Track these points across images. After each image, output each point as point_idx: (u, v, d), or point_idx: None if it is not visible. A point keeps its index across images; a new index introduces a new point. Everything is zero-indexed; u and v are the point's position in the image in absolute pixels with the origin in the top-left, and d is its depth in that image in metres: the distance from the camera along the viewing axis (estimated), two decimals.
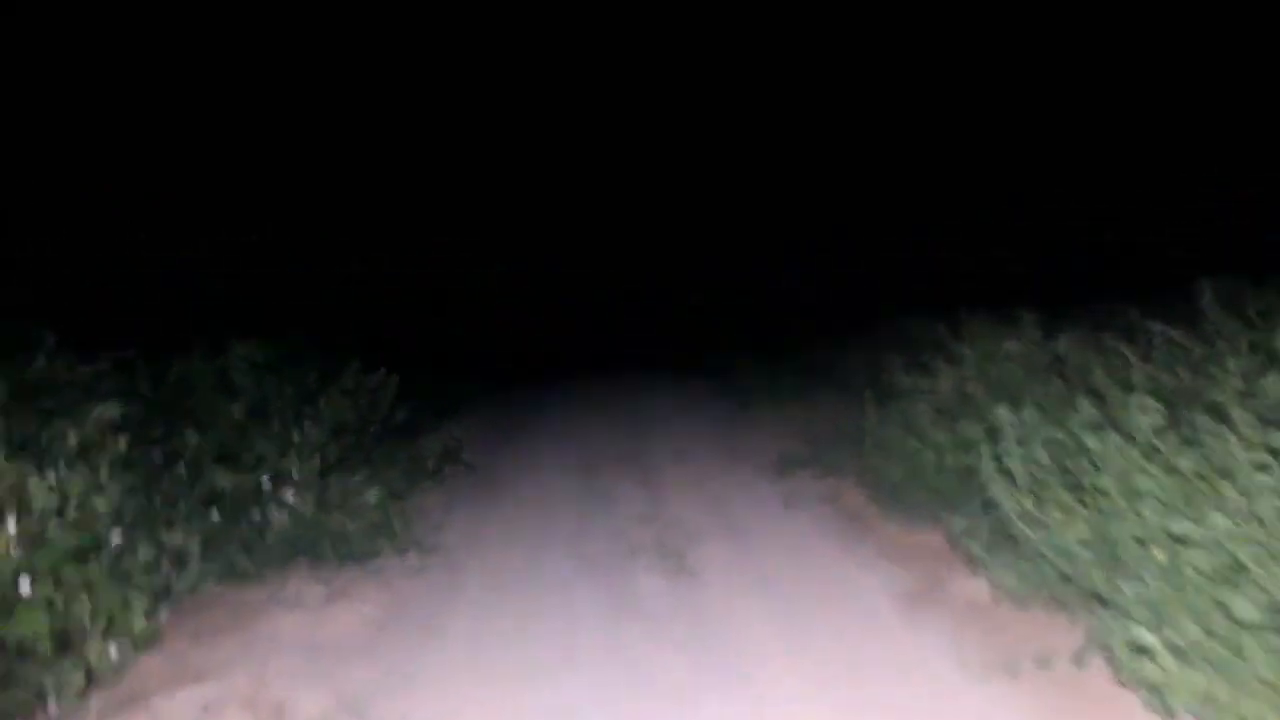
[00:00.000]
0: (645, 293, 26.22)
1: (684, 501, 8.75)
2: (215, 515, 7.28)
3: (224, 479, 7.46)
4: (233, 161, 17.20)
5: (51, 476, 5.72)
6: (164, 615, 6.21)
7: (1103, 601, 4.78)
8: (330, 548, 7.37)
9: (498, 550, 7.75)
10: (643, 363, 20.29)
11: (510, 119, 25.16)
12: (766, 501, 8.44)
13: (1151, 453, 4.79)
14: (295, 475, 7.60)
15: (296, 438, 9.55)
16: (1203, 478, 4.48)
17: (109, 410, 7.84)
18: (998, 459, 5.88)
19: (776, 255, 22.35)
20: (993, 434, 6.07)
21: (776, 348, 15.92)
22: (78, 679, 5.21)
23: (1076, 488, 5.28)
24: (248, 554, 7.15)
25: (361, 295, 17.72)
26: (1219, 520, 4.13)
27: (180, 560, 6.69)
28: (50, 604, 5.29)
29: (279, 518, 7.38)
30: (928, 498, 7.11)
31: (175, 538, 6.69)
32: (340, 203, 19.44)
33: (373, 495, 7.76)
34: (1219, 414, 4.79)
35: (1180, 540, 4.31)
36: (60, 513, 5.69)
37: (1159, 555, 4.42)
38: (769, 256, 22.69)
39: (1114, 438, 4.98)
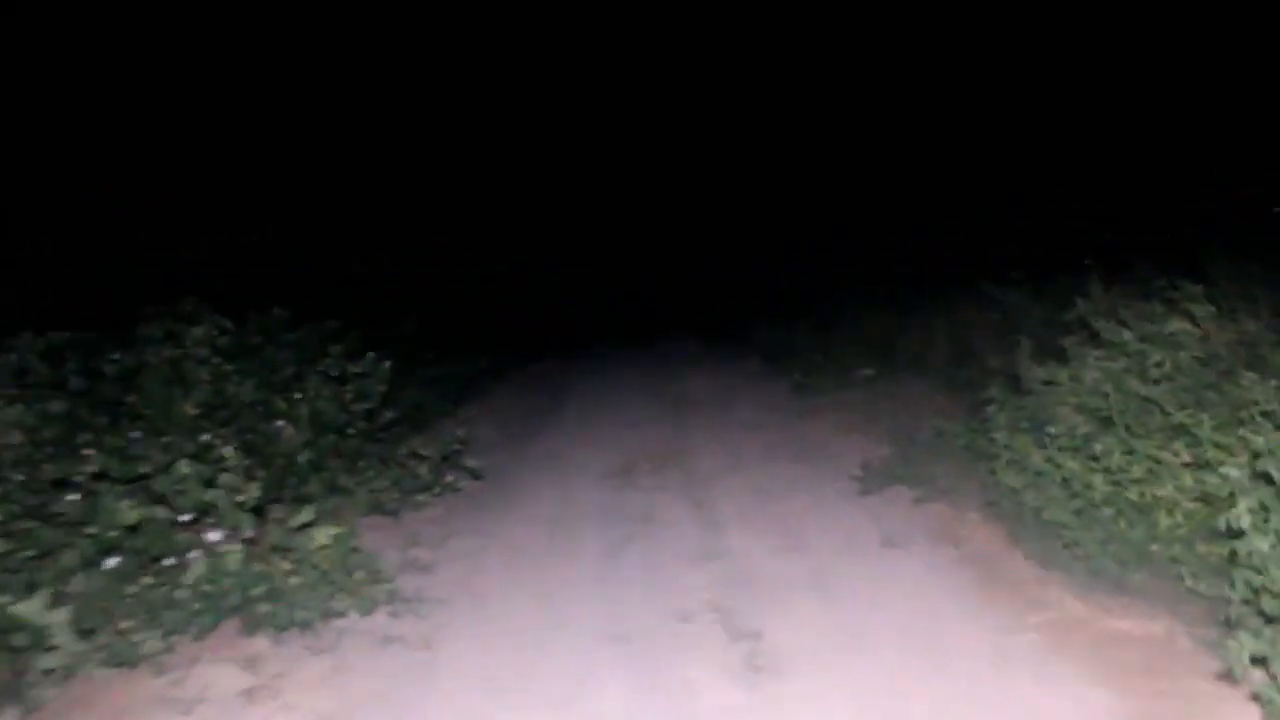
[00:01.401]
0: (685, 256, 23.95)
1: (746, 530, 6.52)
2: (112, 566, 5.16)
3: (128, 514, 5.30)
4: (204, 116, 15.02)
5: None
6: None
7: None
8: (268, 609, 5.21)
9: (497, 613, 5.55)
10: (682, 336, 18.02)
11: (536, 82, 23.02)
12: (857, 535, 6.17)
13: None
14: (225, 504, 5.40)
15: (260, 441, 7.53)
16: None
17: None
18: (1263, 511, 3.65)
19: (833, 214, 19.89)
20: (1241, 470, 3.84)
21: (835, 319, 13.63)
22: None
23: None
24: (150, 623, 5.01)
25: (355, 264, 15.49)
26: None
27: (38, 639, 4.58)
28: None
29: (196, 568, 5.21)
30: (1114, 550, 4.84)
31: (31, 608, 4.57)
32: (333, 161, 17.17)
33: (323, 534, 5.55)
34: None
35: None
36: None
37: None
38: (825, 216, 20.24)
39: None
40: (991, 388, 6.87)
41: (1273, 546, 3.54)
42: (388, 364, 8.63)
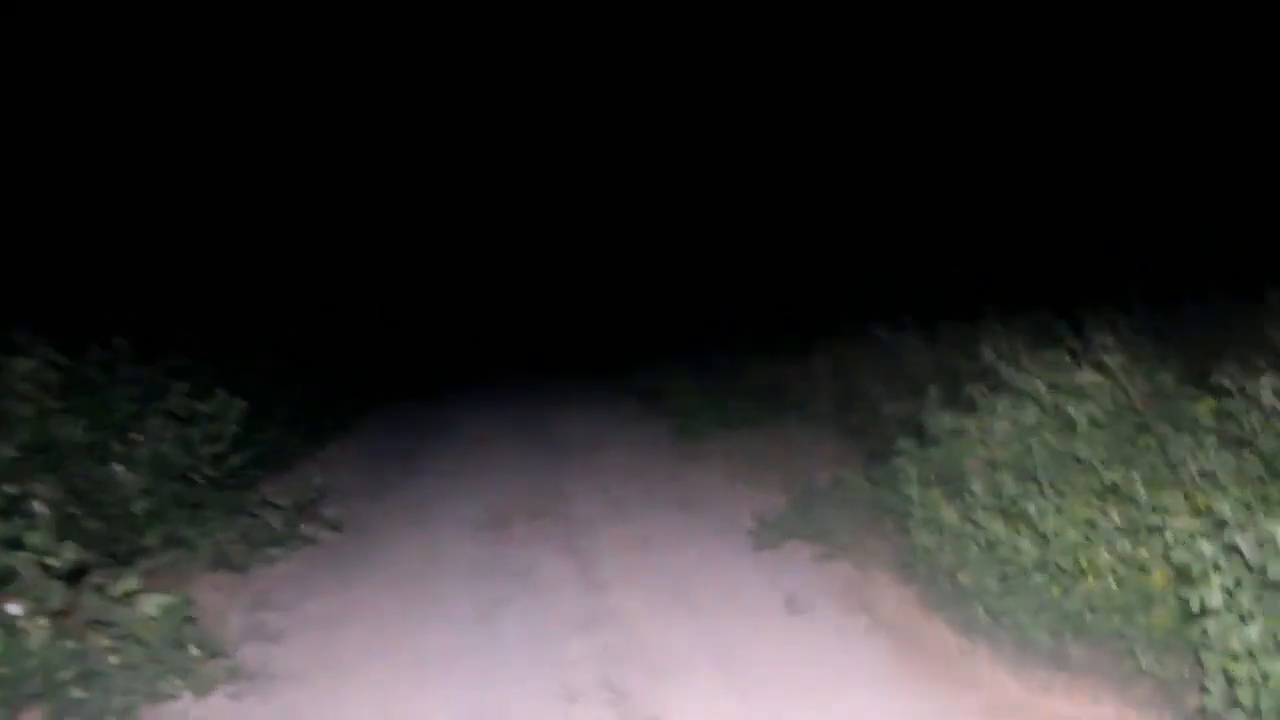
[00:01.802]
0: (559, 297, 23.36)
1: (633, 590, 5.92)
2: None
3: None
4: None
5: None
6: None
7: None
8: (80, 695, 4.39)
9: (356, 691, 4.80)
10: (560, 378, 17.41)
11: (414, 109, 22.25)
12: (756, 597, 5.62)
13: None
14: (28, 570, 4.55)
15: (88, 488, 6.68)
16: None
17: None
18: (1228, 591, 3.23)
19: (713, 256, 19.54)
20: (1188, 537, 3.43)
21: (716, 362, 13.20)
22: None
23: None
24: None
25: (212, 290, 14.46)
26: None
27: None
28: None
29: None
30: (1046, 619, 4.38)
31: None
32: (196, 175, 16.09)
33: (151, 604, 4.73)
34: None
35: None
36: None
37: None
38: (704, 257, 19.89)
39: None
40: (899, 438, 6.45)
41: (1247, 627, 3.11)
42: (241, 403, 7.79)
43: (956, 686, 4.30)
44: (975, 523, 5.02)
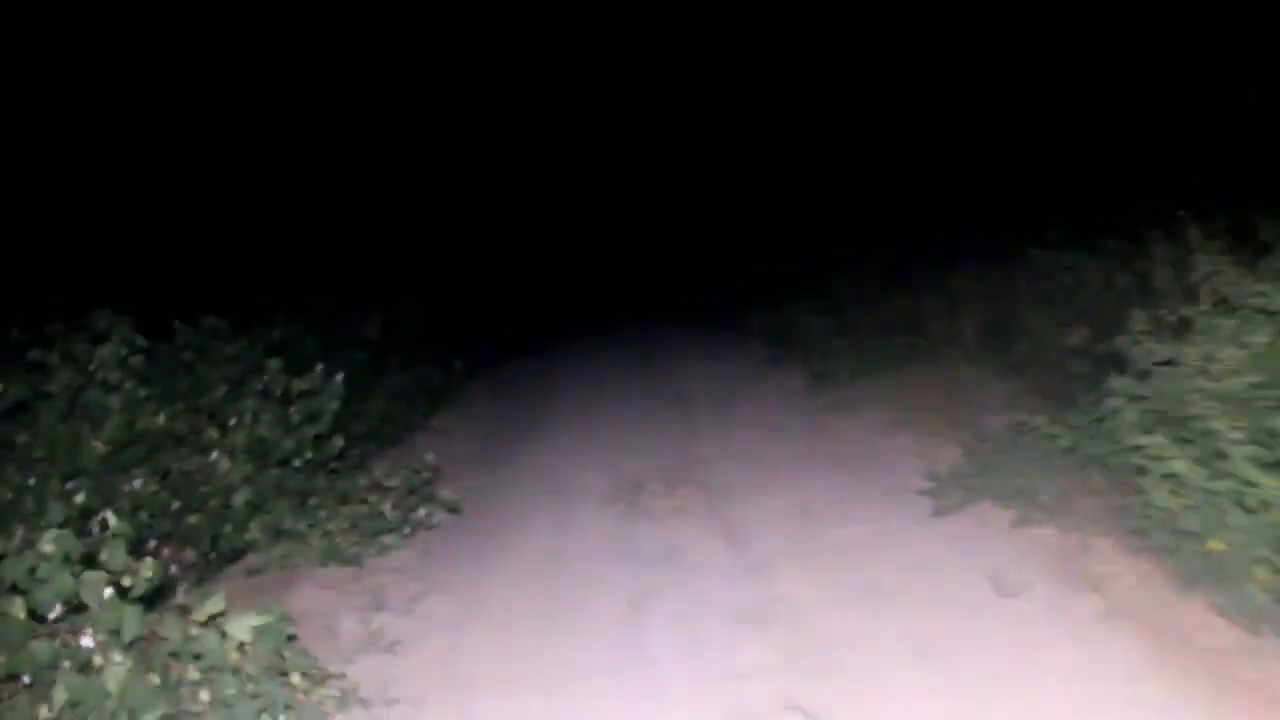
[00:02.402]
0: (672, 233, 22.40)
1: (802, 573, 5.01)
2: None
3: None
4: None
5: None
6: None
7: None
8: None
9: (482, 712, 4.04)
10: (676, 323, 16.50)
11: (514, 72, 21.59)
12: (955, 577, 4.64)
13: None
14: (94, 595, 3.83)
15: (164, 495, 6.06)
16: None
17: None
18: None
19: (835, 180, 18.27)
20: None
21: (843, 296, 12.13)
22: None
23: None
24: None
25: (306, 260, 13.83)
26: None
27: None
28: None
29: (60, 689, 3.64)
30: None
31: None
32: (280, 143, 15.48)
33: (241, 627, 3.96)
34: None
35: None
36: None
37: None
38: (826, 182, 18.63)
39: None
40: (1085, 373, 5.44)
41: None
42: (339, 377, 7.06)
43: (1256, 699, 3.30)
44: (1233, 476, 3.99)
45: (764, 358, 11.71)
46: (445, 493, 6.60)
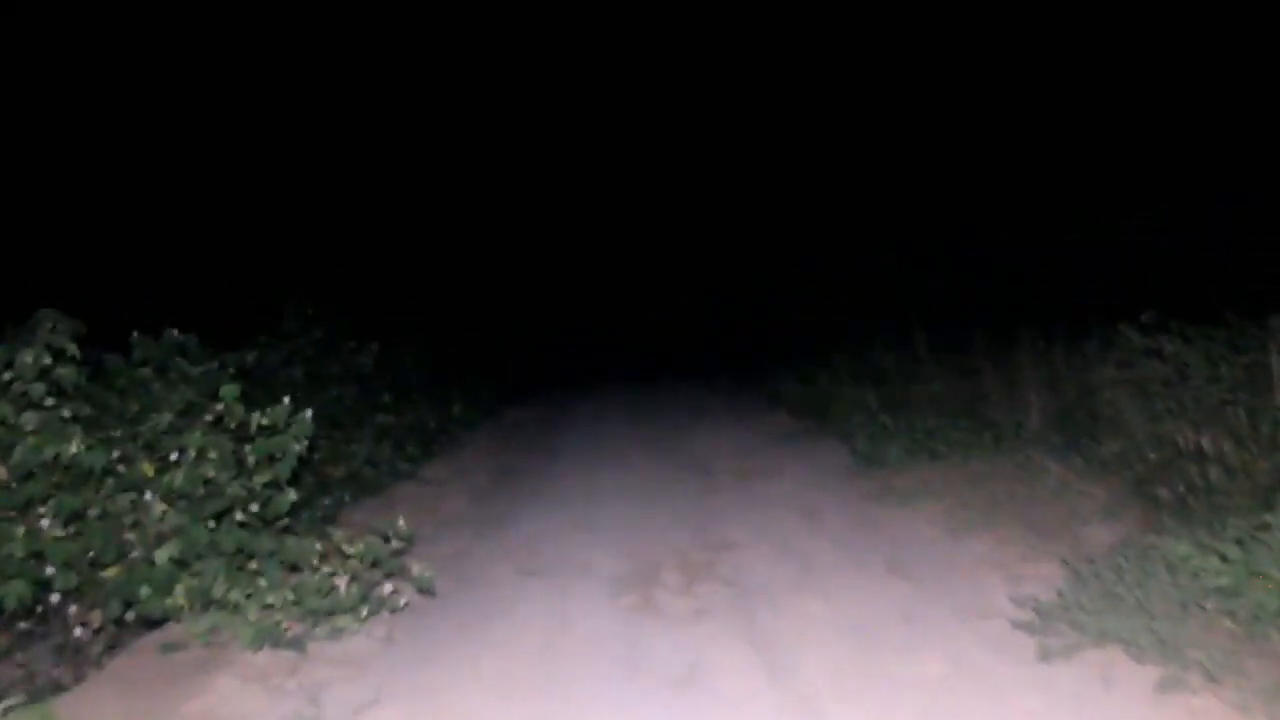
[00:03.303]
0: (693, 288, 21.34)
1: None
2: None
3: None
4: None
5: None
6: None
7: None
8: None
9: None
10: (693, 385, 15.29)
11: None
12: None
13: None
14: None
15: None
16: None
17: None
18: None
19: (874, 232, 17.08)
20: None
21: (882, 364, 10.93)
22: None
23: None
24: None
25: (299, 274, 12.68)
26: None
27: None
28: None
29: None
30: None
31: None
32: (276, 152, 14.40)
33: None
34: None
35: None
36: None
37: None
38: (852, 232, 17.46)
39: None
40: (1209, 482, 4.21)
41: None
42: (308, 413, 5.84)
43: None
44: None
45: (793, 429, 10.48)
46: (418, 566, 5.32)
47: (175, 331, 7.00)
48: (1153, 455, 6.14)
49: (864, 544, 6.06)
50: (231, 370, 7.25)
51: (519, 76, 20.42)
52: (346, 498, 8.11)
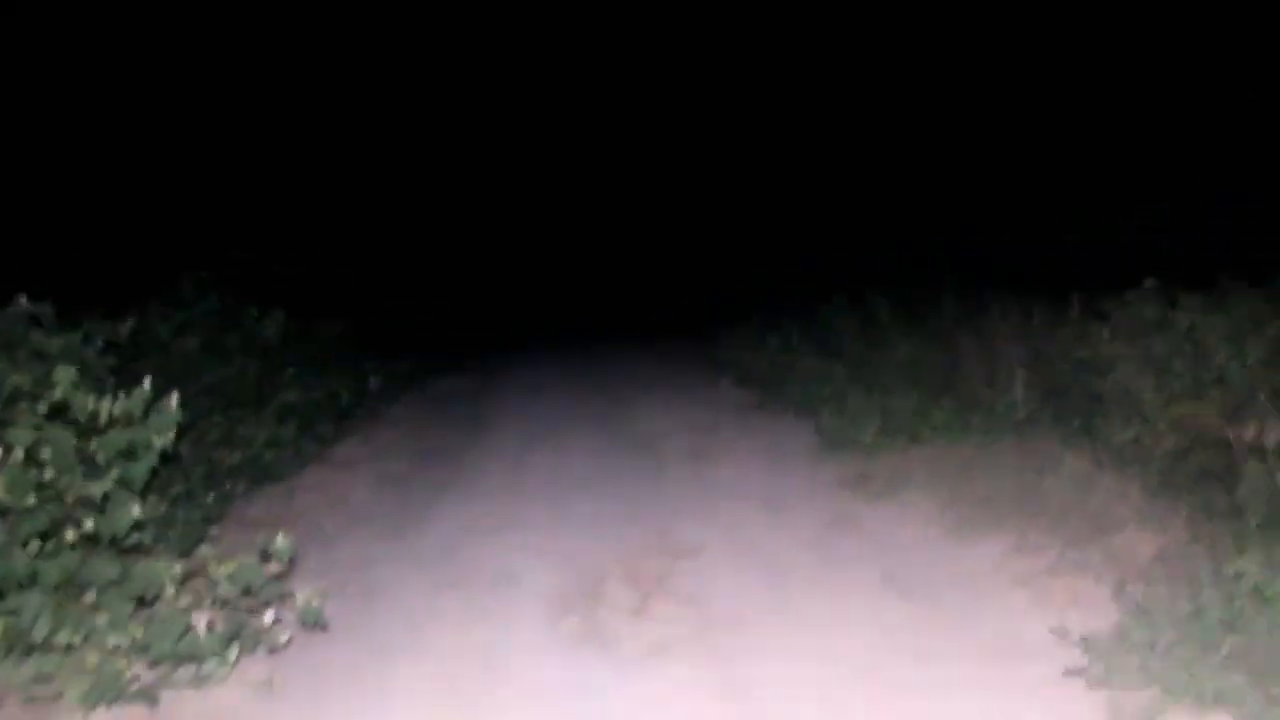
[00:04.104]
0: (640, 241, 20.18)
1: None
2: None
3: None
4: None
5: None
6: None
7: None
8: None
9: None
10: (633, 352, 14.17)
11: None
12: None
13: None
14: None
15: None
16: None
17: None
18: None
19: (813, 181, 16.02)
20: None
21: (840, 328, 9.89)
22: None
23: None
24: None
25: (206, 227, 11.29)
26: None
27: None
28: None
29: None
30: None
31: None
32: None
33: None
34: None
35: None
36: None
37: None
38: (802, 185, 16.40)
39: None
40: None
41: None
42: (174, 399, 4.65)
43: None
44: None
45: (745, 402, 9.42)
46: (305, 592, 4.16)
47: (24, 300, 5.83)
48: (1171, 442, 5.18)
49: (846, 548, 5.03)
50: (101, 343, 6.09)
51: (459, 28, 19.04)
52: (239, 489, 6.92)
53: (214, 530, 5.82)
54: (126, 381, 6.97)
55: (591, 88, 20.56)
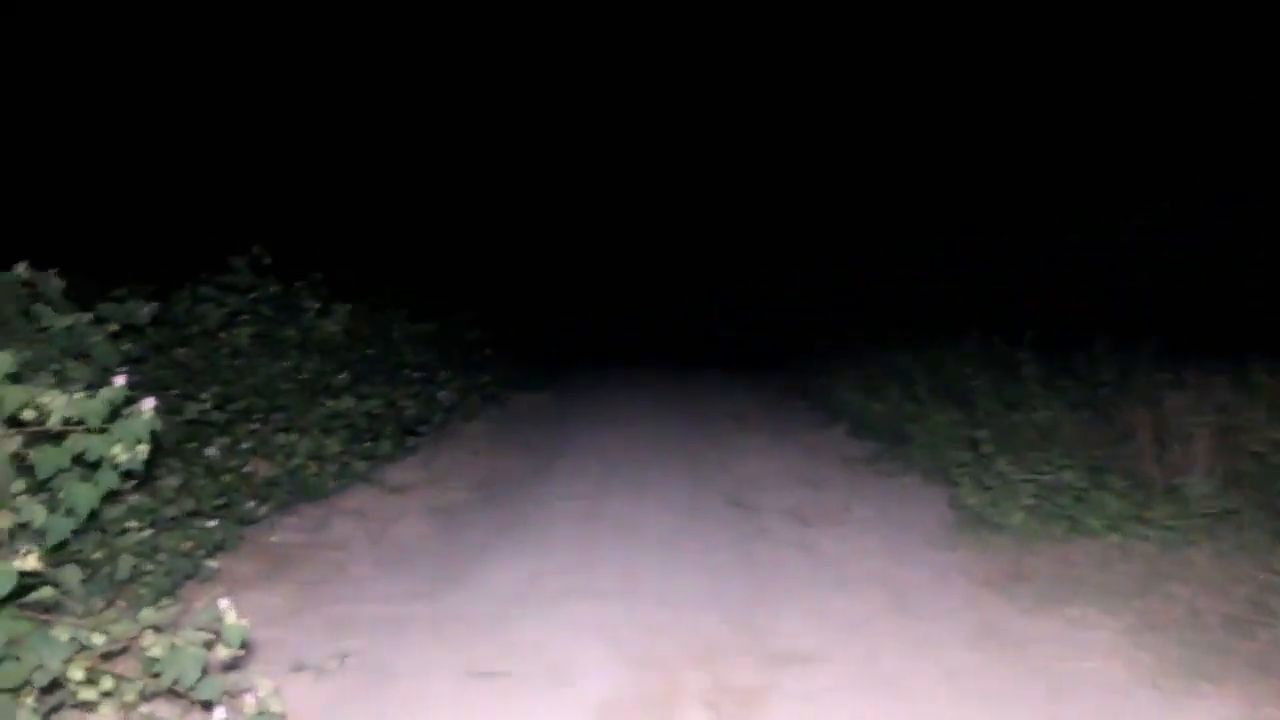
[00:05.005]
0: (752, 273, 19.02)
1: None
2: None
3: None
4: None
5: None
6: None
7: None
8: None
9: None
10: (732, 373, 12.92)
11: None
12: None
13: None
14: None
15: None
16: None
17: None
18: None
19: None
20: None
21: (954, 376, 8.54)
22: None
23: None
24: None
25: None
26: None
27: None
28: None
29: None
30: None
31: None
32: None
33: None
34: None
35: None
36: None
37: None
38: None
39: None
40: None
41: None
42: (147, 405, 3.51)
43: None
44: None
45: (858, 453, 8.07)
46: (265, 686, 2.96)
47: (24, 268, 4.88)
48: None
49: (1004, 684, 3.67)
50: (114, 327, 5.10)
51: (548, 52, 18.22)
52: (268, 507, 5.85)
53: (213, 564, 4.71)
54: (150, 372, 5.99)
55: (685, 121, 19.77)
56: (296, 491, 6.25)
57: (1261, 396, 6.36)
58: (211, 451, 5.93)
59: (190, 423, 5.88)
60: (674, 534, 5.75)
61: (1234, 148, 11.04)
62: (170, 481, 5.09)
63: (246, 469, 6.08)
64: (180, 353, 6.52)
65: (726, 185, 20.10)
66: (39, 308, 4.67)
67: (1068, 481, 5.64)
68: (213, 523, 4.92)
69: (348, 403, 7.16)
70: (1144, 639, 3.96)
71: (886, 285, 14.61)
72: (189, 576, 4.49)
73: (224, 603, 2.88)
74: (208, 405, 5.96)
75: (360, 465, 6.89)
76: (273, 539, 5.58)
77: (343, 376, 7.24)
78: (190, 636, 2.82)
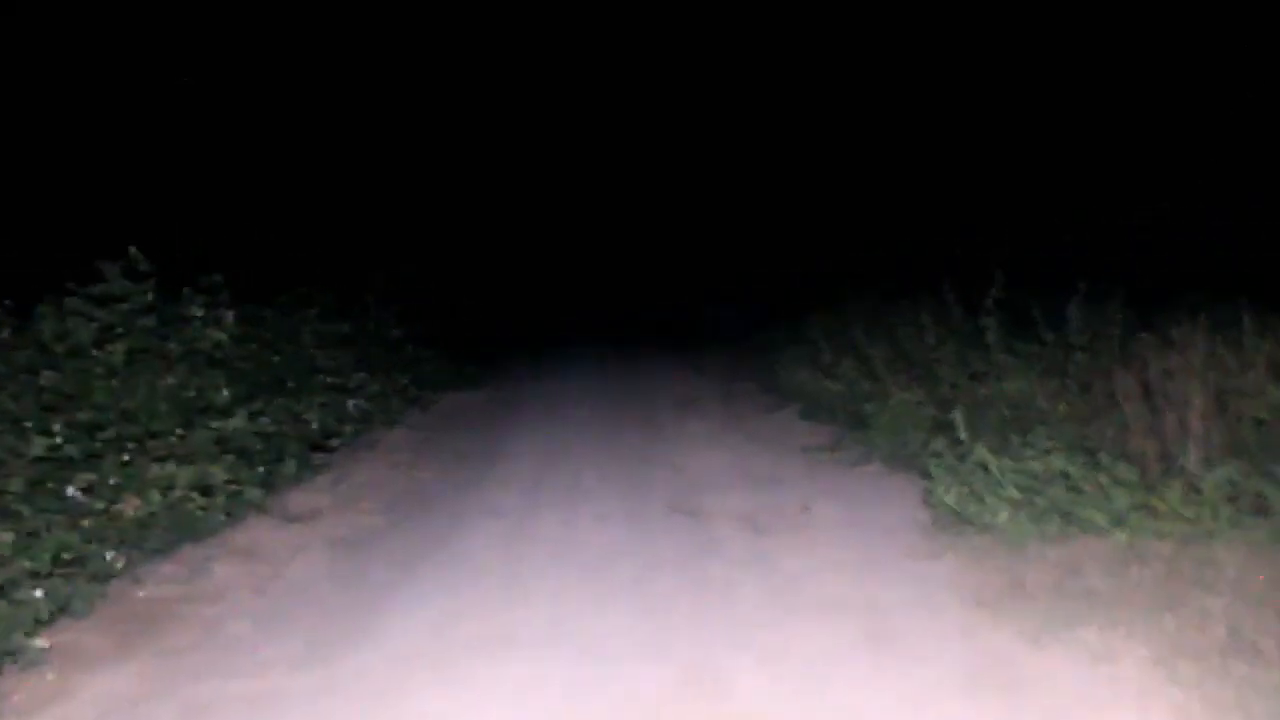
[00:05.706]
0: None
1: None
2: None
3: None
4: None
5: None
6: None
7: None
8: None
9: None
10: (674, 364, 12.06)
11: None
12: None
13: None
14: None
15: None
16: None
17: None
18: None
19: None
20: None
21: (908, 353, 7.74)
22: None
23: None
24: None
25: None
26: None
27: None
28: None
29: None
30: None
31: None
32: None
33: None
34: None
35: None
36: None
37: None
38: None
39: None
40: None
41: None
42: None
43: None
44: None
45: (815, 440, 7.24)
46: None
47: None
48: None
49: None
50: None
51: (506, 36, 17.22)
52: (139, 553, 4.93)
53: (39, 644, 3.79)
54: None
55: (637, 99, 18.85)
56: (178, 530, 5.34)
57: (1261, 353, 5.64)
58: (72, 491, 5.05)
59: (39, 460, 4.97)
60: (611, 555, 4.90)
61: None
62: (3, 537, 4.18)
63: (116, 507, 5.18)
64: (47, 376, 5.59)
65: (669, 148, 19.21)
66: None
67: (1057, 467, 4.85)
68: (39, 593, 3.98)
69: (237, 422, 6.21)
70: (1181, 672, 3.17)
71: (838, 251, 13.84)
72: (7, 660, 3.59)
73: None
74: (58, 440, 5.04)
75: (255, 493, 5.95)
76: (140, 594, 4.66)
77: (227, 393, 6.27)
78: None
